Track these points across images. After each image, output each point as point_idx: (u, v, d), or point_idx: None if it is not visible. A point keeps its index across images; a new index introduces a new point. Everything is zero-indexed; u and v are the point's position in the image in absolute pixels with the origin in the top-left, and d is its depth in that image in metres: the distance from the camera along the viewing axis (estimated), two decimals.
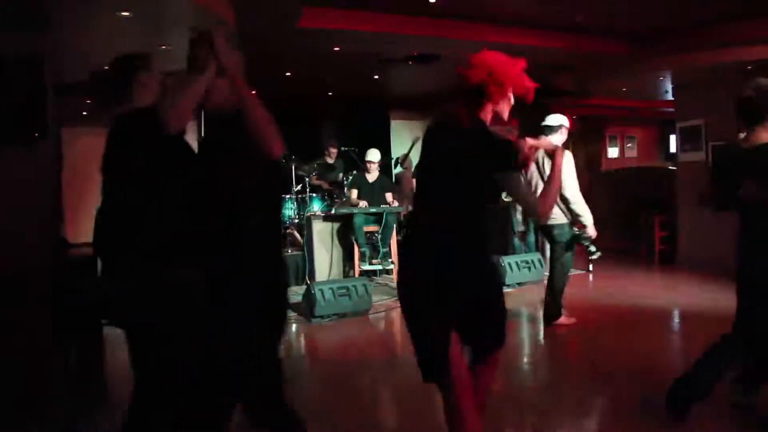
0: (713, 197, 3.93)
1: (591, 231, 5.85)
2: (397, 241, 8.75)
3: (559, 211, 5.90)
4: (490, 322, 2.88)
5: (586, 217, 5.86)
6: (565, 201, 5.86)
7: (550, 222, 5.91)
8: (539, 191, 5.87)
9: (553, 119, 6.14)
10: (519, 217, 9.64)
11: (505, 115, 2.81)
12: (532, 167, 6.02)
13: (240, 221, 2.41)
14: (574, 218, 5.89)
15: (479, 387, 2.94)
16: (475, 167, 2.66)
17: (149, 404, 2.64)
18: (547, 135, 5.97)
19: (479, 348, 2.92)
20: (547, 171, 5.58)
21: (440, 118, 2.93)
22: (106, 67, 2.78)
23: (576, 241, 5.93)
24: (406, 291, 2.82)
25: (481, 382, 2.96)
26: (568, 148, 5.51)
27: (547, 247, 10.15)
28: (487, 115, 2.77)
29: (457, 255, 2.70)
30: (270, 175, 2.47)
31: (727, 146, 3.87)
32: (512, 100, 2.83)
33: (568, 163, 5.80)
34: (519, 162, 2.65)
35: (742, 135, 3.77)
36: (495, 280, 2.98)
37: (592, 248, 5.87)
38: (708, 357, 3.79)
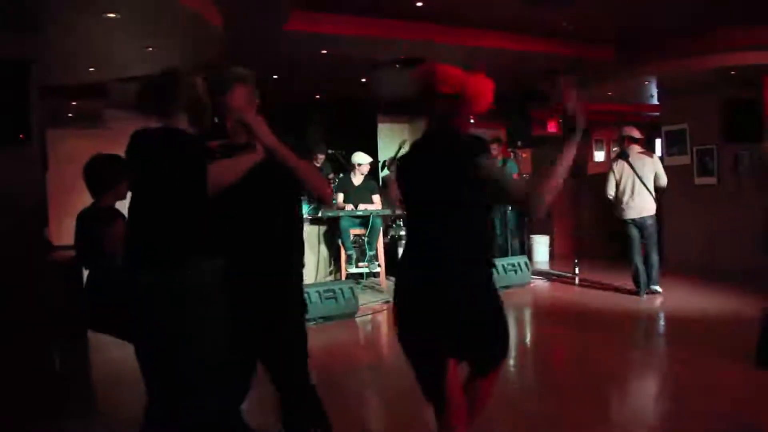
0: None
1: None
2: (384, 244, 8.75)
3: (653, 203, 7.54)
4: (492, 336, 2.83)
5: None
6: (660, 192, 7.64)
7: (648, 214, 7.53)
8: (629, 192, 7.41)
9: (637, 132, 7.77)
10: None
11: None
12: (627, 168, 7.53)
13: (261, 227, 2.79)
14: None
15: (477, 401, 2.91)
16: (455, 175, 2.64)
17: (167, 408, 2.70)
18: (631, 143, 7.63)
19: (480, 363, 2.88)
20: (646, 173, 7.28)
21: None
22: (155, 77, 2.68)
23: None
24: (401, 313, 2.79)
25: (480, 395, 2.92)
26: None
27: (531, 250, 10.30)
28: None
29: (450, 270, 2.67)
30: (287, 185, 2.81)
31: None
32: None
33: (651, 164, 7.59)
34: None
35: None
36: (493, 292, 2.87)
37: None
38: None
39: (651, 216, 7.58)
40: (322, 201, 2.96)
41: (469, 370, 2.88)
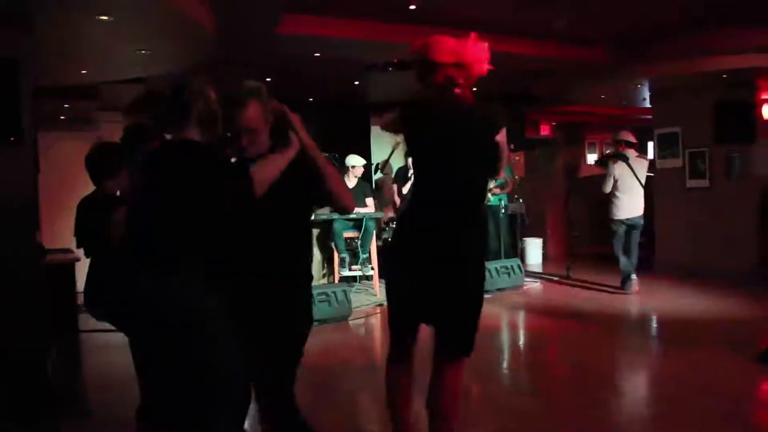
0: None
1: None
2: (377, 247, 8.74)
3: (643, 203, 7.97)
4: (461, 326, 2.90)
5: None
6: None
7: (639, 213, 7.93)
8: (627, 192, 7.82)
9: (632, 136, 8.27)
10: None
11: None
12: (627, 170, 7.87)
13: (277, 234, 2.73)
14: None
15: (444, 387, 2.96)
16: (477, 153, 2.83)
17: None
18: (627, 147, 8.04)
19: (445, 348, 2.95)
20: (641, 176, 7.91)
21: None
22: (168, 87, 2.67)
23: None
24: (392, 266, 3.03)
25: (446, 382, 2.97)
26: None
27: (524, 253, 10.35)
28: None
29: (446, 248, 2.81)
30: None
31: None
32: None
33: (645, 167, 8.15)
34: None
35: None
36: (477, 285, 2.94)
37: None
38: None
39: (641, 216, 7.99)
40: (343, 210, 2.87)
41: (435, 358, 2.97)
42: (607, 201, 8.07)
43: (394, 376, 3.05)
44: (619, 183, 7.89)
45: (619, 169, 7.94)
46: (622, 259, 8.03)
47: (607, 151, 8.26)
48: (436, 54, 2.79)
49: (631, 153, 8.01)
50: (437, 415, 2.95)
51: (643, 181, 7.97)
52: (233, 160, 2.75)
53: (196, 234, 2.50)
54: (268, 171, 2.55)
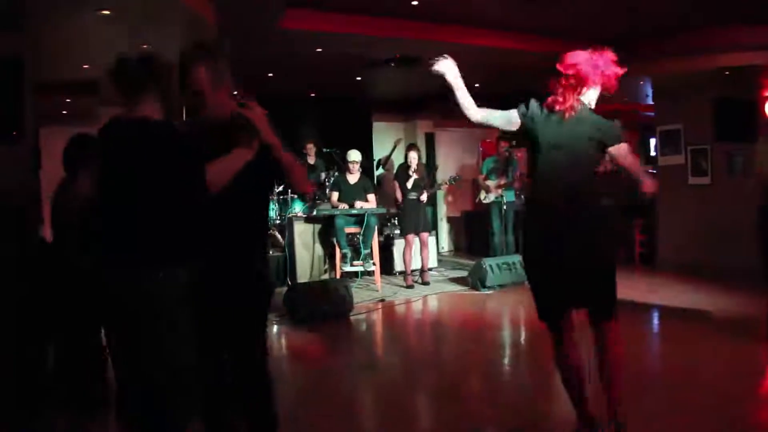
0: None
1: None
2: (379, 242, 8.74)
3: None
4: (595, 295, 3.30)
5: None
6: None
7: None
8: None
9: None
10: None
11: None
12: None
13: (229, 219, 2.67)
14: None
15: (604, 343, 3.39)
16: (584, 146, 3.25)
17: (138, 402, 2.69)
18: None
19: (591, 312, 3.36)
20: None
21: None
22: (128, 59, 2.63)
23: None
24: (529, 254, 3.36)
25: (605, 339, 3.40)
26: None
27: None
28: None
29: (571, 232, 3.16)
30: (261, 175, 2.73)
31: None
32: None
33: None
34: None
35: None
36: (601, 256, 3.26)
37: None
38: None
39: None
40: (301, 196, 2.97)
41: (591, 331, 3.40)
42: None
43: (561, 359, 3.46)
44: None
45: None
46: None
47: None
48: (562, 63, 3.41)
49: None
50: (604, 382, 3.35)
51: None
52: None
53: (152, 212, 2.46)
54: (223, 170, 2.52)
